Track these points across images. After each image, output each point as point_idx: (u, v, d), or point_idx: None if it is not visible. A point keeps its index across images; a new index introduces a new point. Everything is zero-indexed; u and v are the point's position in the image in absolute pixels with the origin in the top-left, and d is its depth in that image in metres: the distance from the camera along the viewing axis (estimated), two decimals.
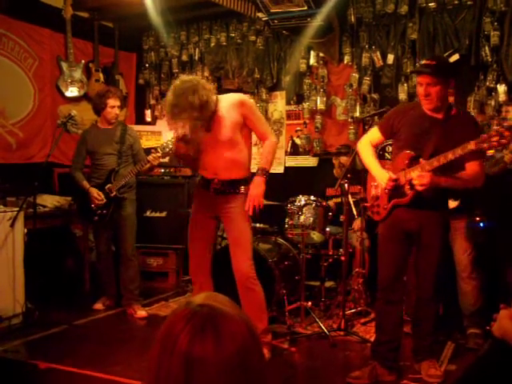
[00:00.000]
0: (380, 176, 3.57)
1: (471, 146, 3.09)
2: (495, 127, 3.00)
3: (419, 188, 3.29)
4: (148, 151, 5.04)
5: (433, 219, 3.49)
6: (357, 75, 5.89)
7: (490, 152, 3.13)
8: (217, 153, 3.77)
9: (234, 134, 3.76)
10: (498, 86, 5.09)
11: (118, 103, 5.05)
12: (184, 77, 3.68)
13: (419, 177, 3.28)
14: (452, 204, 4.04)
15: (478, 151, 3.16)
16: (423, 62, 3.47)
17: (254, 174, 3.90)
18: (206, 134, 3.73)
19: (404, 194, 3.46)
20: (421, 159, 3.38)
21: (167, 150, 4.71)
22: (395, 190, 3.49)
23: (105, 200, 4.94)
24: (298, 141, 6.44)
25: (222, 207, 3.88)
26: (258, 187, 3.80)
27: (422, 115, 3.46)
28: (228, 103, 3.76)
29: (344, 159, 5.32)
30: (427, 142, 3.40)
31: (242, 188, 3.87)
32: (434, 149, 3.36)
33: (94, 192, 4.94)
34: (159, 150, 4.73)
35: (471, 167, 3.33)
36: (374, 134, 3.72)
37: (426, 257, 3.54)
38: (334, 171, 5.61)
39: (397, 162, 3.55)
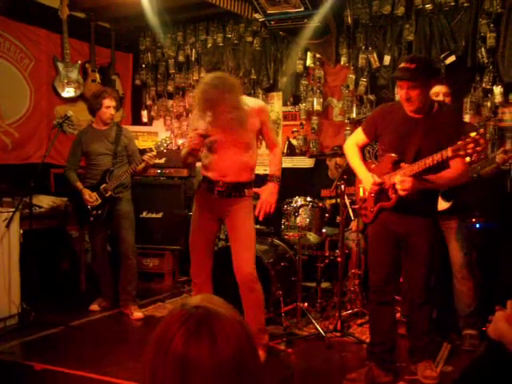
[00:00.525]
0: (365, 179, 3.57)
1: (448, 153, 3.10)
2: (471, 134, 2.99)
3: (402, 193, 3.30)
4: (143, 151, 5.04)
5: (419, 223, 3.48)
6: (353, 76, 5.90)
7: (467, 160, 3.10)
8: (230, 154, 3.76)
9: (251, 139, 3.81)
10: (494, 87, 5.11)
11: (113, 103, 5.04)
12: (223, 73, 3.74)
13: (401, 182, 3.29)
14: (444, 205, 4.05)
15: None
16: (402, 65, 3.39)
17: (257, 176, 3.94)
18: (224, 134, 3.72)
19: (389, 198, 3.47)
20: (402, 163, 3.38)
21: (162, 148, 4.71)
22: (381, 193, 3.51)
23: (98, 201, 4.93)
24: (294, 142, 6.44)
25: (226, 209, 3.88)
26: (273, 194, 3.90)
27: (403, 116, 3.44)
28: (249, 108, 3.74)
29: (340, 160, 5.32)
30: (410, 144, 3.39)
31: (246, 191, 3.89)
32: (417, 150, 3.36)
33: (86, 194, 4.93)
34: (154, 148, 4.73)
35: (455, 165, 3.31)
36: (359, 136, 3.70)
37: (415, 260, 3.53)
38: (329, 173, 5.60)
39: (381, 165, 3.56)
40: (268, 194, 3.88)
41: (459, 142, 3.03)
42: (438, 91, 4.09)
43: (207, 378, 0.99)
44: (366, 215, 3.67)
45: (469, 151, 2.99)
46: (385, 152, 3.54)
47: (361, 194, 3.75)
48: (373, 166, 3.71)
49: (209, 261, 4.01)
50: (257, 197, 3.96)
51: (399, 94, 3.41)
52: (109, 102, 4.99)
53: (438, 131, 3.33)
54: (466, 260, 4.15)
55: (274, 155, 4.03)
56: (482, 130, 3.04)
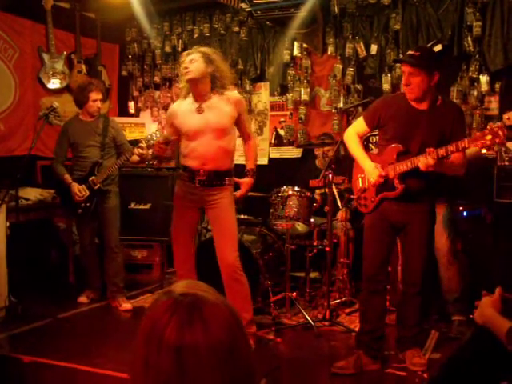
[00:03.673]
0: (370, 171, 3.54)
1: (465, 144, 3.10)
2: (490, 125, 3.00)
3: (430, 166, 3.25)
4: (134, 143, 4.99)
5: (419, 210, 3.51)
6: (340, 66, 5.89)
7: (483, 151, 3.12)
8: (208, 140, 3.80)
9: (228, 124, 3.86)
10: (481, 76, 5.12)
11: (100, 96, 5.00)
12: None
13: (430, 165, 3.21)
14: None
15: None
16: (409, 52, 3.49)
17: (236, 166, 3.96)
18: (198, 117, 3.80)
19: (393, 188, 3.46)
20: (427, 148, 3.28)
21: (152, 142, 4.67)
22: (384, 183, 3.50)
23: (87, 193, 4.90)
24: (282, 132, 6.43)
25: (208, 199, 3.90)
26: (249, 189, 4.06)
27: (407, 107, 3.45)
28: (227, 97, 3.86)
29: (328, 149, 5.33)
30: (414, 135, 3.40)
31: (227, 180, 3.92)
32: (421, 141, 3.37)
33: (75, 188, 4.89)
34: (144, 142, 4.67)
35: (456, 156, 3.33)
36: (360, 126, 3.68)
37: (414, 246, 3.55)
38: (317, 162, 5.61)
39: (385, 155, 3.54)
40: (247, 189, 4.04)
41: (477, 134, 3.04)
42: None
43: (203, 362, 0.98)
44: (366, 205, 3.66)
45: (487, 142, 3.00)
46: (388, 142, 3.53)
47: (359, 184, 3.74)
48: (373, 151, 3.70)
49: (192, 250, 4.07)
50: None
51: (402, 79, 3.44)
52: (95, 95, 4.95)
53: (442, 125, 3.36)
54: (449, 245, 4.18)
55: (250, 148, 4.11)
56: (501, 122, 3.03)
